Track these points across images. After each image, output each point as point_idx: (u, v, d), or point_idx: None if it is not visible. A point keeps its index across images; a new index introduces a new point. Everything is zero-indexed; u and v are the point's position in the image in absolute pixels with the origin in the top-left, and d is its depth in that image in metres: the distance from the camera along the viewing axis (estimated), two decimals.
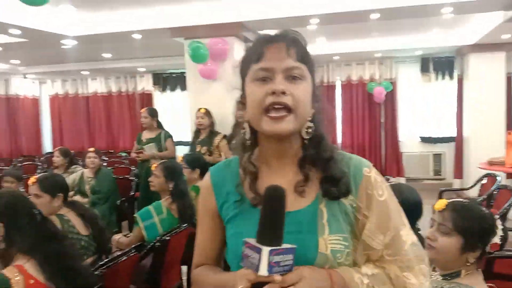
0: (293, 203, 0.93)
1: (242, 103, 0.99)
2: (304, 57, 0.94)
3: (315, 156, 0.95)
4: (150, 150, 4.74)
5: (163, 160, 3.70)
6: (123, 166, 6.55)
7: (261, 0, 4.70)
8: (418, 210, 1.95)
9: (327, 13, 4.71)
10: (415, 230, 1.99)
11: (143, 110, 4.98)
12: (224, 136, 4.58)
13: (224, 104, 4.96)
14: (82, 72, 9.30)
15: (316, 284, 0.84)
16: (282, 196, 0.83)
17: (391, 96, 8.21)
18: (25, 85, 9.83)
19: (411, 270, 0.92)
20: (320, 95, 1.00)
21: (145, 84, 9.47)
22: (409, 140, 8.42)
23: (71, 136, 10.01)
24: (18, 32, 5.01)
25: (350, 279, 0.88)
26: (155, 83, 9.40)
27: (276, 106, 0.89)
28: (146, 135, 4.91)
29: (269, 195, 0.84)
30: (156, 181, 3.10)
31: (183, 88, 8.97)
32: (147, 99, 9.42)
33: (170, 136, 4.95)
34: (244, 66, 0.97)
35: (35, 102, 10.21)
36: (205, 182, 1.05)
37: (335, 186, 0.92)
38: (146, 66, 8.83)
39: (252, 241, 0.82)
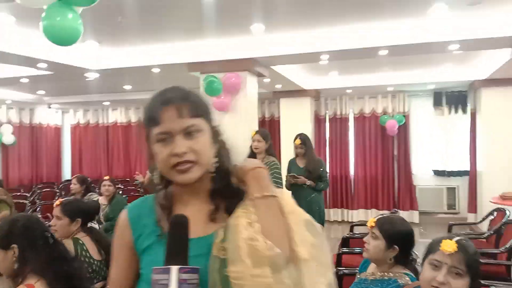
0: (205, 229, 1.02)
1: (150, 156, 1.06)
2: (197, 111, 1.01)
3: (222, 189, 1.06)
4: None
5: None
6: (137, 194, 6.72)
7: (272, 37, 4.92)
8: (411, 240, 2.02)
9: (336, 50, 4.89)
10: (411, 260, 2.07)
11: None
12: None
13: (235, 135, 5.10)
14: (103, 103, 9.67)
15: None
16: (185, 222, 0.93)
17: (404, 129, 8.26)
18: (48, 114, 10.25)
19: None
20: (220, 132, 1.09)
21: None
22: (422, 173, 8.41)
23: (90, 164, 10.32)
24: (45, 65, 5.33)
25: None
26: None
27: (180, 165, 0.99)
28: None
29: (174, 222, 0.94)
30: None
31: None
32: None
33: None
34: (146, 127, 1.04)
35: (58, 130, 10.60)
36: (122, 218, 1.12)
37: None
38: None
39: (159, 268, 0.90)
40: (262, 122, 8.65)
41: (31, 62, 5.16)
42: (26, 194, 7.37)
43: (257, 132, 4.26)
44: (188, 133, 1.00)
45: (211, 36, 4.97)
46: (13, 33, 4.65)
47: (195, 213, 1.04)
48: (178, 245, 0.92)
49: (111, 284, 1.14)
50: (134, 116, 10.03)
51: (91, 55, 5.54)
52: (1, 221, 1.95)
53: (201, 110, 1.03)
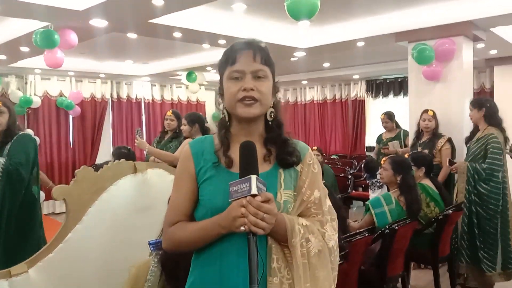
0: (259, 167, 1.17)
1: (221, 94, 1.28)
2: (267, 61, 1.23)
3: (276, 137, 1.26)
4: (393, 146, 5.21)
5: (392, 155, 3.86)
6: (337, 166, 7.07)
7: None
8: None
9: None
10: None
11: (382, 115, 5.61)
12: (449, 140, 4.44)
13: (448, 105, 4.81)
14: (302, 82, 10.23)
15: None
16: (253, 145, 1.14)
17: None
18: None
19: (327, 225, 1.26)
20: (278, 90, 1.31)
21: (358, 91, 9.82)
22: None
23: None
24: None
25: (293, 228, 1.17)
26: (368, 89, 9.66)
27: (246, 99, 1.19)
28: (386, 135, 5.54)
29: (244, 144, 1.14)
30: (385, 173, 3.32)
31: (396, 93, 9.07)
32: (359, 105, 9.76)
33: (408, 135, 5.33)
34: (222, 67, 1.26)
35: None
36: (186, 151, 1.30)
37: (289, 158, 1.24)
38: (360, 73, 9.15)
39: (236, 180, 1.09)
40: None
41: None
42: None
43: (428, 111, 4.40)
44: (257, 76, 1.21)
45: (423, 1, 4.72)
46: (243, 19, 5.09)
47: None
48: (250, 161, 1.11)
49: (172, 211, 1.28)
50: (330, 93, 10.36)
51: (300, 34, 5.76)
52: None
53: (270, 62, 1.24)
